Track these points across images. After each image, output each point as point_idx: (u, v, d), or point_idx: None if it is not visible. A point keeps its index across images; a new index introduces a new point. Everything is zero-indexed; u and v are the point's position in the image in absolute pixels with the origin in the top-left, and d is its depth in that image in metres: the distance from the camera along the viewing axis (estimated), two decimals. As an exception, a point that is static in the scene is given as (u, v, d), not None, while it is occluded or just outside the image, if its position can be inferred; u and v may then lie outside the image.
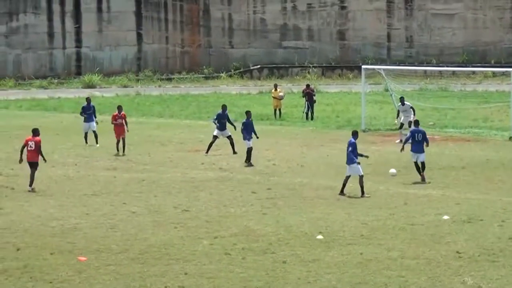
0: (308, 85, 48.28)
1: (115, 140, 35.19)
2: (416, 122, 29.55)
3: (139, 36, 69.35)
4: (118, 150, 34.99)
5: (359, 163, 26.84)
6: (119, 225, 23.29)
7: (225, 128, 35.04)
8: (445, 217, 23.89)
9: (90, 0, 68.22)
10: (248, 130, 32.98)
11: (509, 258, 19.84)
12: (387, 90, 47.80)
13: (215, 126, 35.14)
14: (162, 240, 21.72)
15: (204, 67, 69.44)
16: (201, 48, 70.19)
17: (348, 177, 26.93)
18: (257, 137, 33.22)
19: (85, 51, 68.36)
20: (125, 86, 64.70)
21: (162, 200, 26.58)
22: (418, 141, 28.71)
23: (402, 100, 38.90)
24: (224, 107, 35.77)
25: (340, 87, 61.95)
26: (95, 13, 68.37)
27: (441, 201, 25.90)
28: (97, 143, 37.13)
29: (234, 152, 34.45)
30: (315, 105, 46.59)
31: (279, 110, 47.26)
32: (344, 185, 26.94)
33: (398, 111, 38.93)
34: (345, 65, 68.77)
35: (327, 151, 35.88)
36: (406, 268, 19.19)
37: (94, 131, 37.46)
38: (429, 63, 66.68)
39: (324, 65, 69.04)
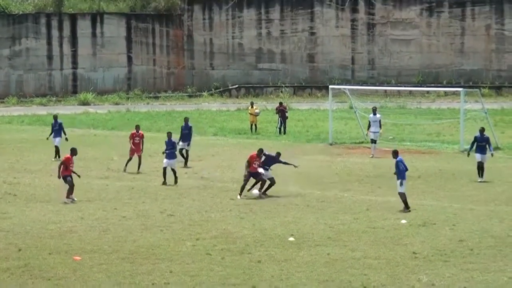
0: (281, 103, 48.27)
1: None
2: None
3: (129, 59, 69.13)
4: (126, 166, 32.95)
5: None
6: (111, 228, 23.19)
7: (189, 140, 34.44)
8: (403, 221, 23.94)
9: (85, 27, 68.02)
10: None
11: (459, 258, 19.90)
12: (351, 107, 47.88)
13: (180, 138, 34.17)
14: (149, 241, 21.65)
15: (188, 86, 69.28)
16: (185, 69, 70.06)
17: (404, 193, 25.34)
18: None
19: (80, 72, 68.10)
20: (116, 104, 64.46)
21: (149, 206, 26.48)
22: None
23: (374, 110, 38.08)
24: (186, 119, 34.93)
25: (309, 104, 62.00)
26: (89, 38, 68.16)
27: (399, 207, 25.92)
28: (55, 157, 35.84)
29: (185, 165, 33.63)
30: (287, 120, 46.59)
31: (255, 125, 47.22)
32: (405, 202, 25.36)
33: (369, 122, 37.98)
34: (314, 85, 68.80)
35: (298, 162, 35.84)
36: (368, 267, 19.20)
37: (56, 146, 36.16)
38: (388, 83, 66.81)
39: (295, 85, 69.04)
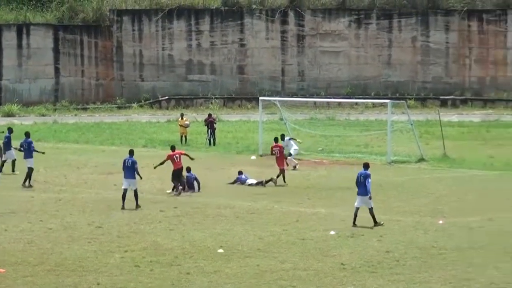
0: (210, 115, 48.26)
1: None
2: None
3: (57, 70, 68.39)
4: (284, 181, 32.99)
5: (370, 197, 24.86)
6: (36, 240, 22.88)
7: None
8: (332, 232, 24.12)
9: (11, 38, 67.16)
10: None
11: (386, 269, 20.13)
12: (281, 119, 48.10)
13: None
14: (76, 253, 21.42)
15: (117, 98, 68.79)
16: (114, 80, 69.59)
17: (358, 209, 24.89)
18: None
19: (5, 83, 67.14)
20: (43, 115, 63.62)
21: (77, 217, 26.20)
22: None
23: (282, 136, 38.00)
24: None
25: (240, 116, 62.11)
26: (15, 49, 67.31)
27: (328, 218, 26.13)
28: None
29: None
30: (216, 132, 46.62)
31: (185, 136, 47.14)
32: (355, 217, 24.87)
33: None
34: (244, 97, 68.94)
35: (228, 173, 35.91)
36: (297, 279, 19.30)
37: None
38: (318, 95, 67.33)
39: (225, 96, 69.10)
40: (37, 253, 21.44)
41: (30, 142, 33.23)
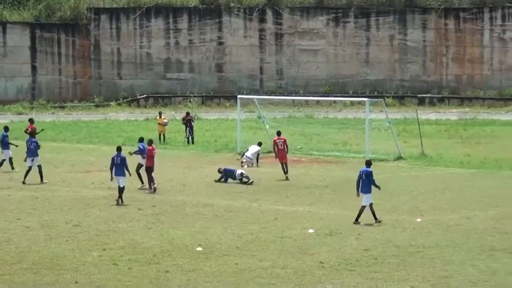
0: (188, 113, 48.15)
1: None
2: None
3: (34, 68, 68.04)
4: (284, 172, 33.51)
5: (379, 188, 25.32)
6: (13, 239, 22.78)
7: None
8: (310, 230, 24.15)
9: (-15, 36, 66.91)
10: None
11: (364, 267, 20.19)
12: (260, 117, 48.10)
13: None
14: (54, 252, 21.34)
15: (95, 96, 68.50)
16: (92, 79, 69.32)
17: (364, 207, 25.11)
18: None
19: (-18, 81, 66.86)
20: (19, 114, 63.24)
21: (54, 216, 26.10)
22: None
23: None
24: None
25: (218, 114, 62.05)
26: (-9, 47, 67.11)
27: (306, 217, 26.16)
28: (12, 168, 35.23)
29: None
30: (194, 130, 46.57)
31: (164, 135, 47.03)
32: (360, 214, 25.16)
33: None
34: (222, 95, 68.87)
35: (206, 172, 35.88)
36: (276, 277, 19.32)
37: (10, 158, 35.25)
38: (296, 93, 67.35)
39: (204, 94, 69.00)
40: (15, 251, 21.34)
41: (33, 141, 33.51)
